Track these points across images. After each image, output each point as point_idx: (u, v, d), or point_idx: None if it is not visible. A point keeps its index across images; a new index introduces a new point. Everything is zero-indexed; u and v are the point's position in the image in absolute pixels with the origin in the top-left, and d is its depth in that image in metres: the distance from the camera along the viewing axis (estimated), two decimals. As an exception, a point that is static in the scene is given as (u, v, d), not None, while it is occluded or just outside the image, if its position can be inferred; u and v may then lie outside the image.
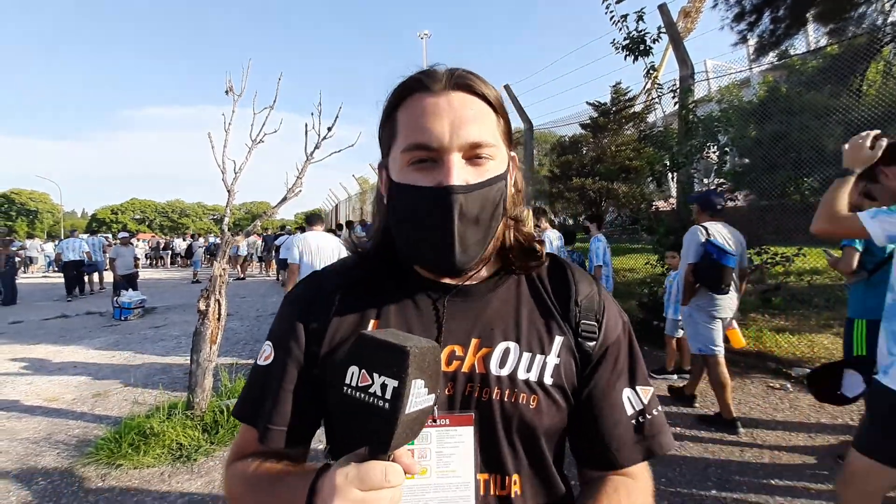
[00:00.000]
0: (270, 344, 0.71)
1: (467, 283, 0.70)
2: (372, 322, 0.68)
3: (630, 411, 0.68)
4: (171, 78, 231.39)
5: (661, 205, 6.42)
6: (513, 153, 0.71)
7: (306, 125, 4.06)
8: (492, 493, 0.64)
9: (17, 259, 14.36)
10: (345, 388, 0.49)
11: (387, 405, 0.46)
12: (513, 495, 0.64)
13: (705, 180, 5.77)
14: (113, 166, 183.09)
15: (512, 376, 0.65)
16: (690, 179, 5.45)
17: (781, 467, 2.95)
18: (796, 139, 4.90)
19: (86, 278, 12.92)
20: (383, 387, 0.47)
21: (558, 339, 0.68)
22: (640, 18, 5.16)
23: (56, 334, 7.71)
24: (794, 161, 4.90)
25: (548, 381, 0.66)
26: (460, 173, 0.61)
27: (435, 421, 0.62)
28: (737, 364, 4.61)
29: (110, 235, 24.94)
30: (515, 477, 0.65)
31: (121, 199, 70.08)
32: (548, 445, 0.67)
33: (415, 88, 0.64)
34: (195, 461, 3.25)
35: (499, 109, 0.66)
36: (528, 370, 0.66)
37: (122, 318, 8.79)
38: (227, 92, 3.83)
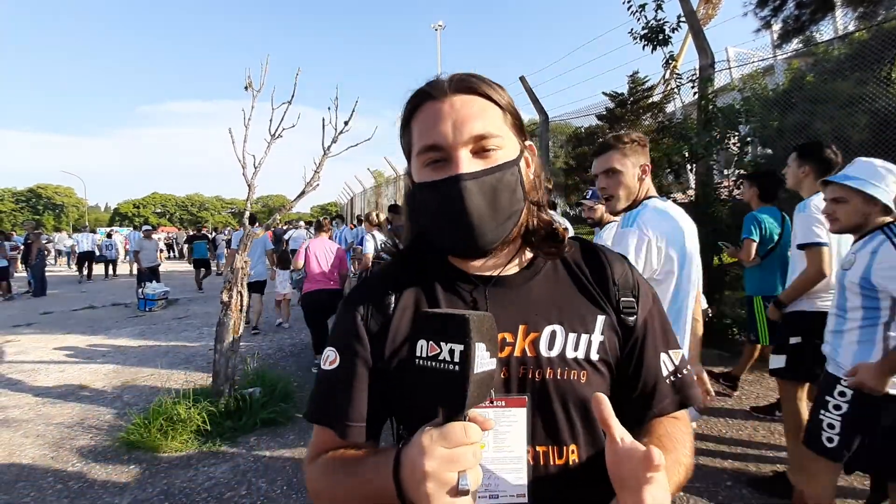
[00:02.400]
0: (334, 349, 0.76)
1: (504, 273, 0.75)
2: None
3: (665, 372, 0.76)
4: (191, 73, 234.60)
5: (678, 196, 6.32)
6: (528, 142, 0.76)
7: (323, 119, 4.11)
8: (551, 463, 0.70)
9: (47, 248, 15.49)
10: (417, 360, 0.55)
11: (457, 367, 0.52)
12: (570, 463, 0.70)
13: (725, 171, 5.66)
14: (135, 161, 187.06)
15: (562, 356, 0.71)
16: (710, 171, 5.36)
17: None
18: (820, 129, 4.76)
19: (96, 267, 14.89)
20: (451, 352, 0.52)
21: (600, 318, 0.74)
22: (658, 7, 5.06)
23: (85, 324, 8.00)
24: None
25: (594, 356, 0.72)
26: (469, 165, 0.67)
27: (492, 402, 0.68)
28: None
29: (130, 229, 26.04)
30: (573, 447, 0.71)
31: (142, 194, 71.74)
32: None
33: (422, 99, 0.71)
34: (220, 447, 3.37)
35: (503, 105, 0.71)
36: (576, 349, 0.72)
37: (147, 309, 9.06)
38: (246, 88, 3.90)
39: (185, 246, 26.36)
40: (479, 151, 0.68)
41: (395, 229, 5.83)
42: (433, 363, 0.53)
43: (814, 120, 4.85)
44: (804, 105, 5.07)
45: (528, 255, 0.78)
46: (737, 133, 5.04)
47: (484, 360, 0.53)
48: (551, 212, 0.81)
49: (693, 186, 5.81)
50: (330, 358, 0.76)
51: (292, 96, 4.06)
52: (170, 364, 5.46)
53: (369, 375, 0.74)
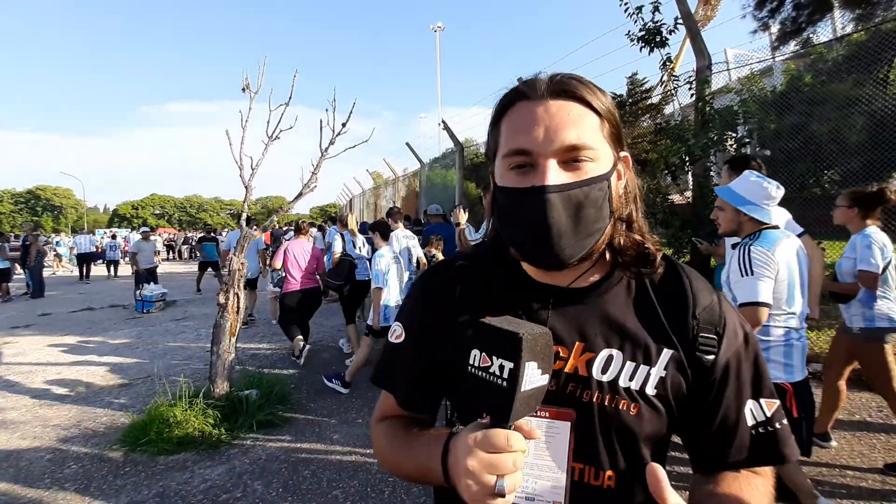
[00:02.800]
0: (400, 325, 0.81)
1: (574, 285, 0.72)
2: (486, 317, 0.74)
3: (751, 422, 0.69)
4: (190, 74, 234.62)
5: (676, 198, 6.32)
6: (624, 153, 0.72)
7: (321, 121, 4.11)
8: (586, 480, 0.68)
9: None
10: (469, 367, 0.57)
11: (504, 384, 0.53)
12: (605, 487, 0.68)
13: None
14: (134, 162, 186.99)
15: (613, 383, 0.67)
16: (707, 172, 5.36)
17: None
18: (816, 130, 4.78)
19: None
20: (501, 368, 0.53)
21: (666, 353, 0.68)
22: (656, 9, 5.07)
23: (83, 326, 7.99)
24: (813, 153, 4.79)
25: (650, 391, 0.67)
26: (555, 176, 0.63)
27: (537, 412, 0.66)
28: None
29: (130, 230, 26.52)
30: (610, 473, 0.68)
31: (141, 195, 71.60)
32: (647, 450, 0.69)
33: (516, 98, 0.68)
34: (216, 449, 3.37)
35: (603, 113, 0.67)
36: (631, 379, 0.67)
37: (145, 311, 9.05)
38: (244, 90, 3.90)
39: (185, 247, 26.50)
40: (569, 161, 0.64)
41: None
42: (483, 374, 0.55)
43: (811, 121, 4.86)
44: (801, 107, 5.08)
45: (604, 270, 0.74)
46: (734, 135, 5.05)
47: (534, 378, 0.54)
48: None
49: (691, 188, 5.81)
50: (396, 332, 0.81)
51: (290, 98, 4.06)
52: (167, 366, 5.44)
53: (428, 355, 0.77)
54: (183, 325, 7.94)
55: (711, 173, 5.54)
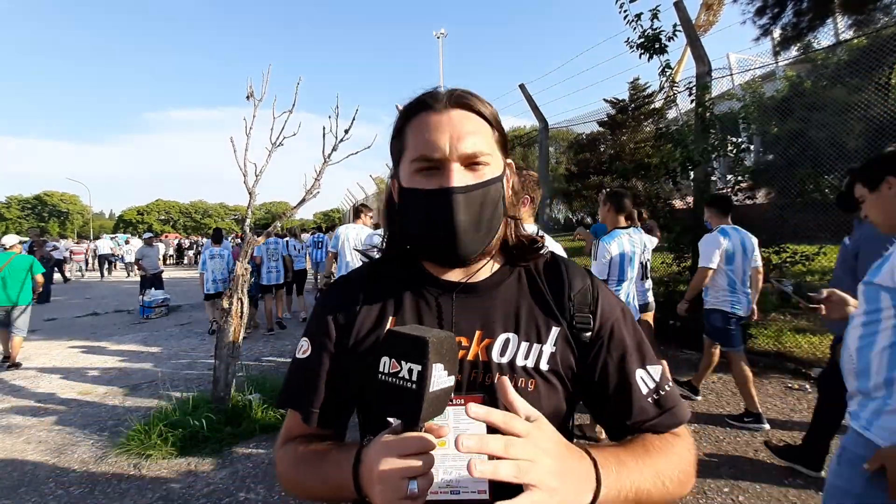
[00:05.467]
0: (307, 339, 0.81)
1: (471, 280, 0.78)
2: (390, 319, 0.78)
3: (645, 390, 0.74)
4: (193, 81, 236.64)
5: (677, 203, 6.33)
6: (509, 160, 0.80)
7: (324, 128, 4.16)
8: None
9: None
10: (379, 374, 0.59)
11: (414, 386, 0.55)
12: None
13: (728, 177, 5.67)
14: (138, 168, 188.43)
15: (511, 363, 0.73)
16: (707, 178, 5.38)
17: (795, 469, 2.92)
18: (815, 136, 4.79)
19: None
20: (410, 371, 0.56)
21: (555, 330, 0.76)
22: (654, 17, 5.10)
23: (87, 331, 8.05)
24: (812, 158, 4.80)
25: (544, 367, 0.73)
26: (460, 178, 0.70)
27: (451, 401, 0.68)
28: (755, 364, 4.55)
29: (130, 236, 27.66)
30: None
31: (146, 201, 71.90)
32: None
33: (420, 108, 0.73)
34: (219, 452, 3.39)
35: (494, 123, 0.75)
36: (526, 357, 0.73)
37: (146, 316, 9.10)
38: (248, 97, 3.96)
39: (191, 252, 26.62)
40: (470, 166, 0.71)
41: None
42: (393, 379, 0.57)
43: (810, 127, 4.87)
44: (802, 112, 5.10)
45: (497, 264, 0.82)
46: (734, 140, 5.07)
47: (441, 379, 0.57)
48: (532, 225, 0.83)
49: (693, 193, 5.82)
50: (303, 347, 0.81)
51: (293, 105, 4.11)
52: (171, 370, 5.49)
53: (335, 367, 0.78)
54: (187, 329, 8.00)
55: (713, 178, 5.56)
